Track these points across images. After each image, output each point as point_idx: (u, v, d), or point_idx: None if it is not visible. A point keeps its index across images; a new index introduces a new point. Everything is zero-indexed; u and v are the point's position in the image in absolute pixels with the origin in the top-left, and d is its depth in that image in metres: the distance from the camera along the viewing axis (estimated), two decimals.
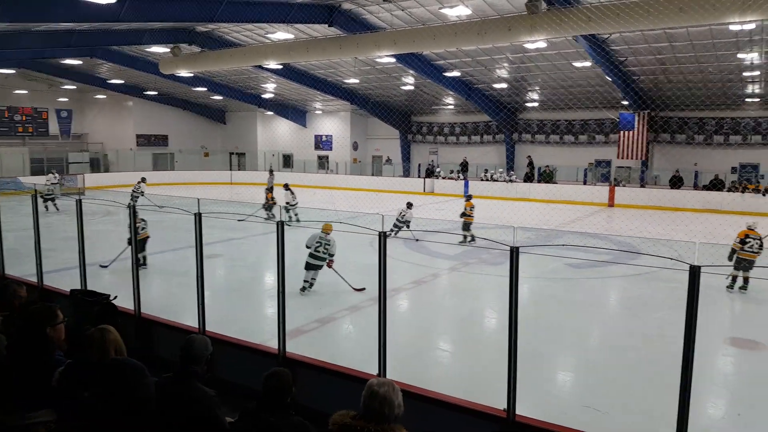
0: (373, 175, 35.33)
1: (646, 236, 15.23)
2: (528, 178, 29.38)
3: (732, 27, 16.39)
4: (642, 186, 27.05)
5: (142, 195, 19.43)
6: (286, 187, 18.40)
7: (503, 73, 25.87)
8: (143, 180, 21.03)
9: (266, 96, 34.79)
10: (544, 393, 6.13)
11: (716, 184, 24.87)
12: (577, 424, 4.25)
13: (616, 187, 25.50)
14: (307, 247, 9.54)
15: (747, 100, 25.61)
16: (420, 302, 10.02)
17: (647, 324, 8.41)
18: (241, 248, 14.41)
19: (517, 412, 4.25)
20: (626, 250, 13.49)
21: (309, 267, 9.57)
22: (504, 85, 27.49)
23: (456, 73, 25.52)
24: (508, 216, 19.39)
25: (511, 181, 28.43)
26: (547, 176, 28.83)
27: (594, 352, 7.71)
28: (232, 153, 39.05)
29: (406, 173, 35.03)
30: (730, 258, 10.24)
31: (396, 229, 14.55)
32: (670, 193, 24.47)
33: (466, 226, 14.88)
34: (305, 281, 9.61)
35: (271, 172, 27.35)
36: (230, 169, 36.15)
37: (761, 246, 10.22)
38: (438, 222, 18.17)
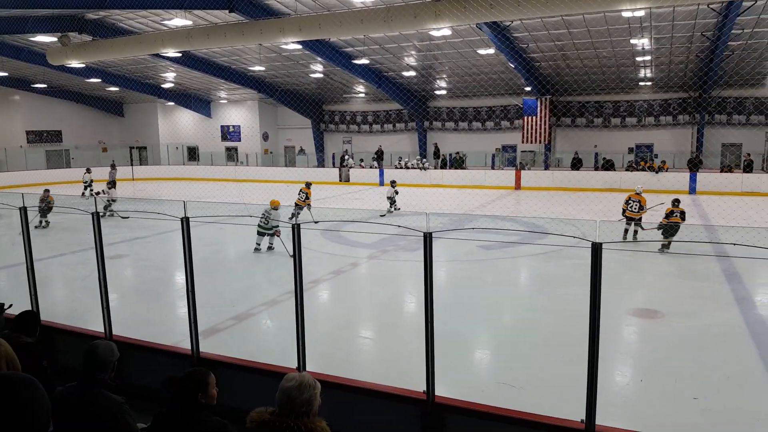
0: (286, 166, 34.66)
1: (552, 216, 16.00)
2: (442, 165, 29.99)
3: (624, 14, 17.43)
4: (546, 169, 28.41)
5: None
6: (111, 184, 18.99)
7: (411, 61, 26.14)
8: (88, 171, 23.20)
9: (166, 86, 33.10)
10: (462, 373, 6.25)
11: (610, 164, 26.54)
12: (494, 401, 4.34)
13: (522, 171, 26.60)
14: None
15: (640, 83, 27.48)
16: (340, 292, 9.95)
17: (555, 300, 8.81)
18: (147, 247, 13.67)
19: (437, 393, 4.28)
20: (534, 230, 14.08)
21: (258, 233, 12.13)
22: (413, 73, 27.79)
23: (365, 61, 25.48)
24: (422, 202, 19.74)
25: (424, 168, 28.90)
26: (458, 162, 29.58)
27: (507, 329, 7.97)
28: (133, 147, 36.85)
29: (321, 163, 34.64)
30: (623, 214, 13.40)
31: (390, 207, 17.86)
32: (572, 174, 25.87)
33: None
34: (256, 244, 12.21)
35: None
36: (131, 165, 34.13)
37: (641, 207, 13.19)
38: (355, 211, 18.13)
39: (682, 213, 12.25)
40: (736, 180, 22.68)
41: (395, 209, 18.11)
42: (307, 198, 15.85)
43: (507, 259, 11.92)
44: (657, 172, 23.97)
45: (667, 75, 25.61)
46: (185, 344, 5.62)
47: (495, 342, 7.56)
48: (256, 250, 12.22)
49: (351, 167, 30.74)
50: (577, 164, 27.20)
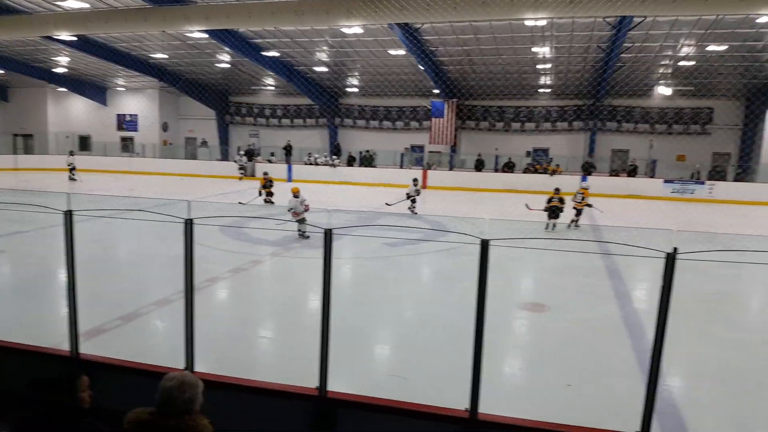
0: (186, 158, 33.17)
1: (454, 215, 16.55)
2: (349, 163, 30.01)
3: (527, 23, 18.34)
4: (451, 169, 29.30)
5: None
6: None
7: (324, 56, 26.00)
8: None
9: (58, 70, 30.75)
10: (357, 367, 6.31)
11: (510, 166, 27.84)
12: (387, 394, 4.42)
13: (429, 171, 27.28)
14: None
15: (540, 90, 29.02)
16: (240, 290, 9.70)
17: (452, 294, 9.12)
18: (28, 242, 12.63)
19: (332, 389, 4.29)
20: (436, 228, 14.49)
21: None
22: (325, 69, 27.66)
23: (275, 53, 25.04)
24: (332, 199, 19.70)
25: (334, 165, 28.83)
26: (368, 161, 29.79)
27: (407, 323, 8.13)
28: (17, 135, 33.87)
29: (225, 157, 33.50)
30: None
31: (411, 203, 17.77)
32: (474, 175, 26.88)
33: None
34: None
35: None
36: (14, 153, 31.35)
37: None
38: (260, 207, 17.76)
39: (561, 199, 15.21)
40: (623, 183, 24.56)
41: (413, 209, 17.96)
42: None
43: (410, 256, 12.17)
44: (551, 175, 25.43)
45: (565, 83, 27.26)
46: (64, 345, 5.25)
47: (394, 336, 7.69)
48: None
49: (243, 165, 29.11)
50: (480, 166, 28.27)
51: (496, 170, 28.46)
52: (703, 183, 24.15)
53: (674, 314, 8.55)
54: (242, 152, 30.07)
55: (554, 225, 15.22)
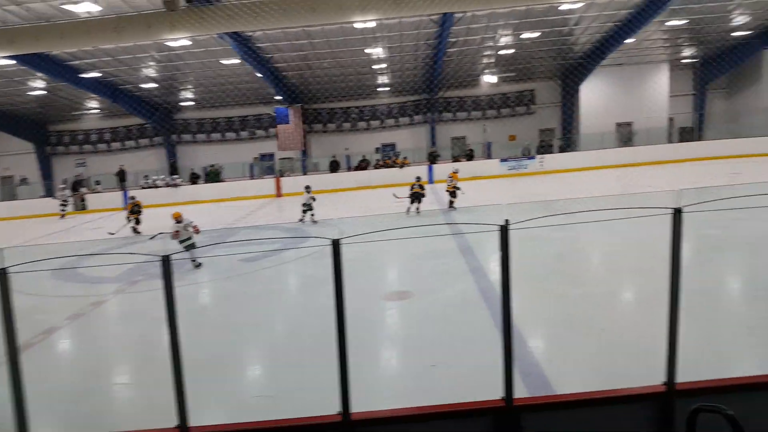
0: (4, 200, 29.10)
1: (314, 219, 16.39)
2: (192, 179, 28.29)
3: (357, 26, 18.68)
4: (305, 174, 29.10)
5: None
6: None
7: (151, 72, 24.38)
8: None
9: None
10: (224, 396, 5.90)
11: (364, 164, 28.38)
12: (253, 417, 4.13)
13: (282, 178, 26.82)
14: None
15: (379, 89, 29.85)
16: (82, 337, 8.65)
17: (318, 300, 8.95)
18: None
19: (194, 424, 3.91)
20: (296, 236, 14.23)
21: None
22: (153, 85, 25.98)
23: (96, 74, 23.01)
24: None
25: (175, 185, 27.08)
26: (214, 175, 28.49)
27: (272, 339, 7.81)
28: None
29: (49, 192, 29.29)
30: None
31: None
32: (328, 176, 26.93)
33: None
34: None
35: None
36: None
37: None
38: (96, 243, 16.13)
39: (421, 186, 16.58)
40: (463, 167, 26.06)
41: (311, 218, 16.74)
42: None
43: (272, 268, 11.77)
44: (401, 168, 26.31)
45: (401, 80, 28.33)
46: None
47: (260, 356, 7.34)
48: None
49: (65, 199, 24.82)
50: (334, 167, 28.40)
51: (349, 169, 28.80)
52: (533, 158, 26.45)
53: (524, 279, 9.16)
54: (63, 185, 26.21)
55: (417, 209, 16.50)
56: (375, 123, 30.84)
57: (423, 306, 8.31)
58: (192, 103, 30.25)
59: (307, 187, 16.77)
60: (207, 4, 14.65)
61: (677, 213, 3.70)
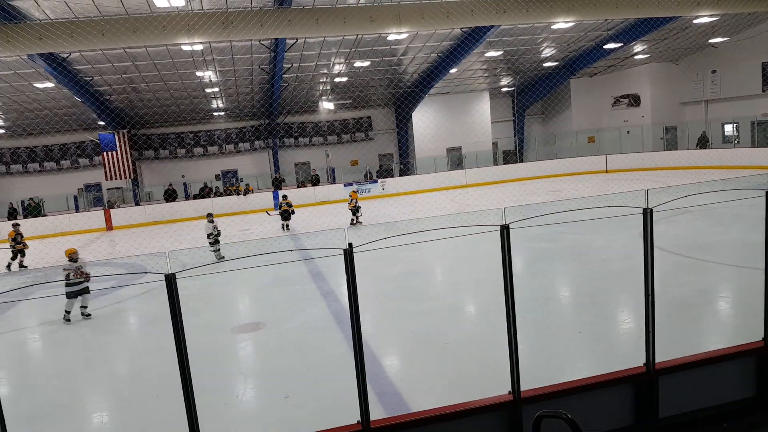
0: None
1: (149, 252, 15.21)
2: (10, 215, 24.83)
3: (185, 47, 17.88)
4: (137, 204, 27.00)
5: None
6: None
7: None
8: None
9: None
10: None
11: (205, 192, 27.14)
12: None
13: (112, 210, 24.60)
14: None
15: (215, 114, 28.83)
16: None
17: (161, 338, 8.28)
18: None
19: None
20: (132, 271, 13.10)
21: None
22: None
23: None
24: None
25: None
26: (34, 210, 25.23)
27: (114, 387, 7.05)
28: None
29: None
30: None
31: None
32: (166, 206, 25.27)
33: None
34: None
35: None
36: None
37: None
38: None
39: (288, 204, 18.57)
40: (310, 192, 26.17)
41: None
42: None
43: (107, 308, 10.67)
44: (245, 195, 25.61)
45: (238, 105, 27.70)
46: None
47: (102, 407, 6.57)
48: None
49: None
50: (171, 195, 26.71)
51: (187, 197, 27.33)
52: (376, 182, 27.40)
53: (376, 298, 9.35)
54: None
55: (287, 226, 18.37)
56: (213, 149, 29.69)
57: (276, 335, 8.10)
58: (2, 131, 26.66)
59: (209, 215, 14.78)
60: (14, 21, 13.13)
61: (504, 229, 4.04)
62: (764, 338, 4.87)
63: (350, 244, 3.81)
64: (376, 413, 5.04)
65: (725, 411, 4.80)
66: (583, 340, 7.01)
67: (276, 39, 18.36)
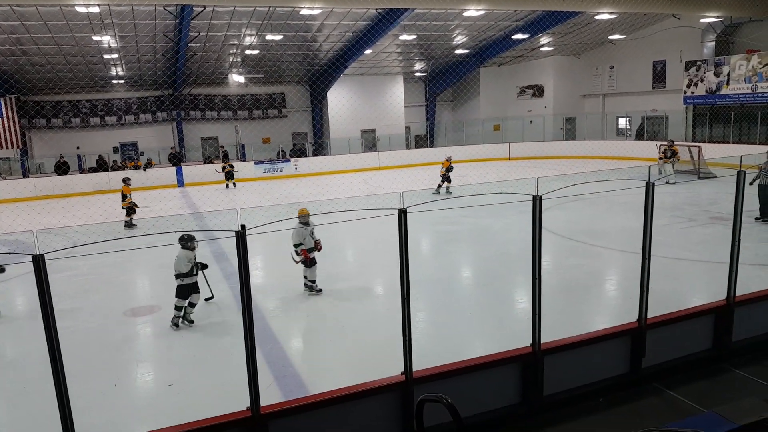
0: None
1: (39, 228, 14.03)
2: None
3: (80, 9, 16.48)
4: (25, 176, 24.85)
5: None
6: None
7: None
8: None
9: None
10: None
11: (102, 165, 25.41)
12: None
13: None
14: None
15: (114, 81, 26.89)
16: None
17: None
18: None
19: None
20: (14, 251, 12.03)
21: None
22: None
23: None
24: None
25: None
26: None
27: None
28: None
29: None
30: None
31: None
32: (57, 180, 23.42)
33: None
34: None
35: None
36: None
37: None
38: None
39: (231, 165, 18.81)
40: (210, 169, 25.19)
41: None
42: None
43: None
44: (145, 170, 24.22)
45: (139, 73, 26.01)
46: None
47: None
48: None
49: None
50: (63, 168, 24.75)
51: (82, 171, 25.49)
52: (288, 161, 26.88)
53: (281, 281, 9.18)
54: None
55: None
56: (111, 119, 27.70)
57: (168, 319, 7.75)
58: None
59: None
60: None
61: (402, 213, 4.06)
62: (638, 319, 5.27)
63: (243, 226, 3.67)
64: (274, 398, 4.96)
65: (602, 387, 5.16)
66: (481, 321, 7.27)
67: (181, 5, 17.36)
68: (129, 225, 14.90)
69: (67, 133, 26.98)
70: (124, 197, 15.16)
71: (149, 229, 14.01)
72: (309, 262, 8.34)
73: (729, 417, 3.72)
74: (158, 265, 10.47)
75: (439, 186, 18.31)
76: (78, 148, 26.58)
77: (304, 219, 8.29)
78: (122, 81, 26.92)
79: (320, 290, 8.47)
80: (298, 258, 8.29)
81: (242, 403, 4.06)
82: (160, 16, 18.97)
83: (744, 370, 5.54)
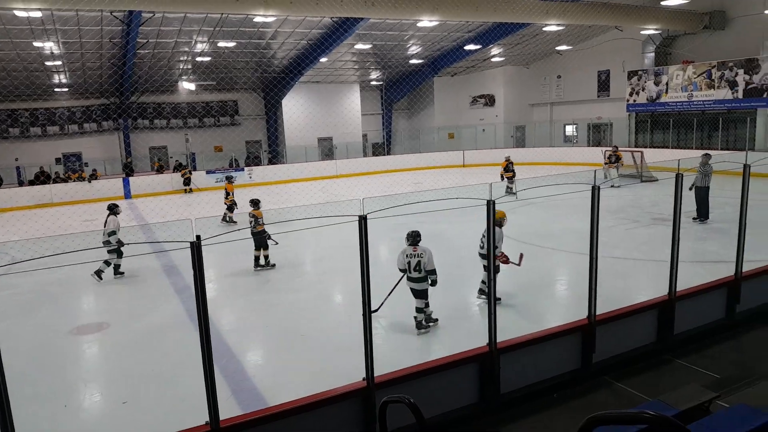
0: None
1: None
2: None
3: (19, 13, 15.82)
4: None
5: None
6: None
7: None
8: None
9: None
10: None
11: (42, 178, 24.35)
12: None
13: None
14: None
15: (57, 90, 25.88)
16: None
17: None
18: None
19: None
20: None
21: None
22: None
23: None
24: None
25: None
26: None
27: None
28: None
29: None
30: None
31: None
32: None
33: None
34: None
35: None
36: None
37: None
38: None
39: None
40: (166, 180, 24.61)
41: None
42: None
43: None
44: (90, 182, 23.34)
45: (84, 81, 25.14)
46: None
47: None
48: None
49: None
50: None
51: (22, 184, 24.38)
52: (242, 169, 26.45)
53: (237, 293, 9.05)
54: None
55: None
56: (53, 129, 26.61)
57: (122, 336, 7.51)
58: None
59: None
60: None
61: (362, 219, 4.09)
62: (588, 316, 5.46)
63: (198, 237, 3.61)
64: (231, 411, 4.86)
65: (556, 382, 5.31)
66: (440, 323, 7.33)
67: (129, 11, 16.91)
68: (230, 221, 15.44)
69: (4, 143, 25.76)
70: (227, 194, 15.88)
71: (94, 243, 13.54)
72: None
73: (672, 404, 3.93)
74: (107, 281, 10.16)
75: (509, 188, 17.25)
76: (17, 159, 25.42)
77: None
78: (65, 89, 25.93)
79: None
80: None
81: (200, 417, 3.98)
82: (106, 21, 18.42)
83: (684, 359, 5.87)
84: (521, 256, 7.26)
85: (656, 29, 23.05)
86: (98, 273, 9.91)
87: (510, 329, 5.30)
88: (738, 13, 21.52)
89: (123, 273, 10.35)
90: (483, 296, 7.84)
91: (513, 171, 17.87)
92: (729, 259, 7.05)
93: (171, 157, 27.24)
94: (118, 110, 26.52)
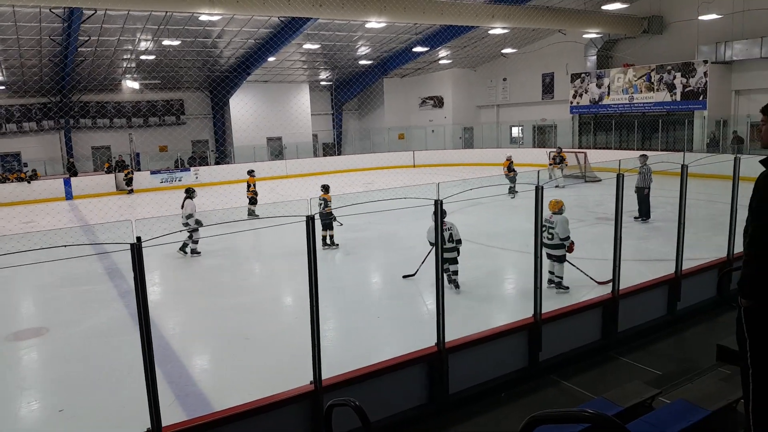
0: None
1: None
2: None
3: None
4: None
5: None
6: None
7: None
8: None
9: None
10: None
11: None
12: None
13: None
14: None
15: None
16: None
17: None
18: None
19: None
20: None
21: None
22: None
23: None
24: None
25: None
26: None
27: None
28: None
29: None
30: None
31: None
32: None
33: None
34: None
35: None
36: None
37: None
38: None
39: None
40: (109, 180, 23.75)
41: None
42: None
43: None
44: (29, 182, 22.30)
45: (22, 79, 23.99)
46: None
47: None
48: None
49: None
50: None
51: None
52: (188, 170, 25.79)
53: (182, 297, 8.81)
54: None
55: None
56: None
57: (62, 341, 7.20)
58: None
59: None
60: None
61: (310, 220, 4.05)
62: (534, 314, 5.59)
63: (138, 238, 3.50)
64: (175, 417, 4.73)
65: (504, 381, 5.41)
66: (389, 325, 7.36)
67: (70, 8, 16.21)
68: (251, 213, 15.26)
69: None
70: (248, 187, 16.07)
71: (34, 244, 12.90)
72: None
73: (616, 401, 4.06)
74: (46, 285, 9.72)
75: (511, 188, 17.55)
76: None
77: None
78: (2, 87, 24.63)
79: None
80: None
81: (142, 424, 3.85)
82: (46, 18, 17.62)
83: (628, 357, 6.04)
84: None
85: (598, 33, 23.87)
86: (183, 248, 11.15)
87: (459, 329, 5.36)
88: (675, 18, 22.52)
89: (199, 253, 11.26)
90: (552, 285, 8.01)
91: (514, 170, 17.99)
92: (669, 257, 7.32)
93: (113, 158, 26.27)
94: (59, 109, 25.36)
